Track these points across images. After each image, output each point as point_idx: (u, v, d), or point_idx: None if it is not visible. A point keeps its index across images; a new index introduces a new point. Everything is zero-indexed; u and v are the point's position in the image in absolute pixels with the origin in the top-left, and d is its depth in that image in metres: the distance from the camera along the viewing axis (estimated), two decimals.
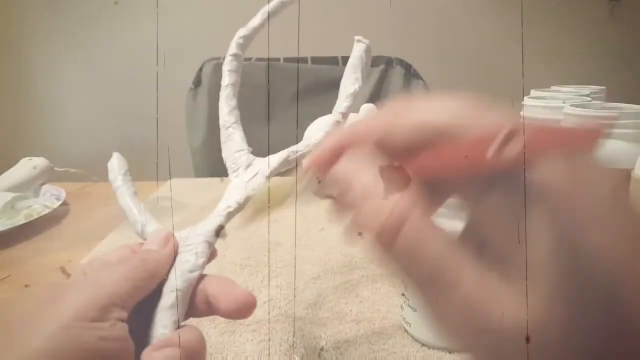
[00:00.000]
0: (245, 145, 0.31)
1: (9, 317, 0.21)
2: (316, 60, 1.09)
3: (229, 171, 0.31)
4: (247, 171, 0.30)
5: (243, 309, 0.25)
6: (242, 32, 0.33)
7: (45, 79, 1.66)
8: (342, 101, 0.31)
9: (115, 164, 0.32)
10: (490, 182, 0.16)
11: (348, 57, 0.31)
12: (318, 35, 1.09)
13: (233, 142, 0.32)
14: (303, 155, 0.31)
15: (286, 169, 0.30)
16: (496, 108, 0.16)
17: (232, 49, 0.33)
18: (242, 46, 0.33)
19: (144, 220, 0.30)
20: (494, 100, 0.17)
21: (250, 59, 1.09)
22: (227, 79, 0.33)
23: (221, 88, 0.33)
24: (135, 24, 1.62)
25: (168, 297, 0.25)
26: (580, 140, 0.15)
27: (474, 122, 0.16)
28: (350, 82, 0.31)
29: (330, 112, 0.89)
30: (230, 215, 0.28)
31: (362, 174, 0.18)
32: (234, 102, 0.33)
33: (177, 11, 1.61)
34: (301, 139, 0.81)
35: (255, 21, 0.33)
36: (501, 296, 0.15)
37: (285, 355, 0.36)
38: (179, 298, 0.25)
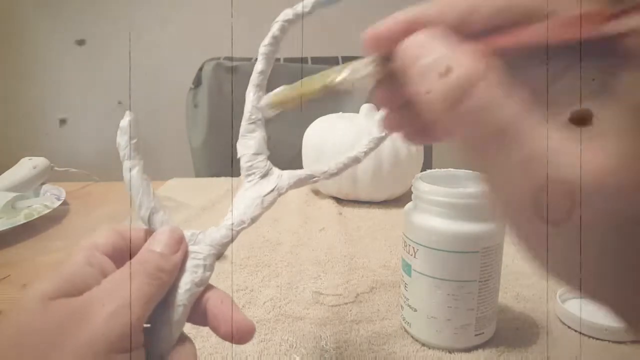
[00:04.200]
0: (265, 149, 0.29)
1: (26, 336, 0.20)
2: (316, 60, 1.09)
3: (243, 171, 0.29)
4: (264, 182, 0.28)
5: (243, 337, 0.24)
6: (288, 14, 0.30)
7: (45, 79, 1.66)
8: (342, 160, 0.30)
9: (129, 127, 0.26)
10: (574, 55, 0.17)
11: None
12: (318, 35, 1.09)
13: (254, 141, 0.29)
14: (317, 180, 0.29)
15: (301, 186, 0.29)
16: None
17: (274, 30, 0.30)
18: (284, 30, 0.30)
19: (153, 206, 0.26)
20: None
21: (250, 59, 1.09)
22: (260, 64, 0.30)
23: (253, 72, 0.30)
24: (137, 24, 1.62)
25: (175, 312, 0.23)
26: None
27: (558, 6, 0.17)
28: (361, 149, 0.30)
29: (330, 113, 0.88)
30: (241, 231, 0.27)
31: (437, 42, 0.18)
32: (262, 95, 0.30)
33: (177, 11, 1.61)
34: (301, 140, 0.81)
35: (305, 9, 0.29)
36: (568, 152, 0.15)
37: (285, 355, 0.36)
38: (182, 312, 0.24)
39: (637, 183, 0.15)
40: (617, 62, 0.16)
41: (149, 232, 0.26)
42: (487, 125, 0.16)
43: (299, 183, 0.29)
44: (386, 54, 0.19)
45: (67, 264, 0.23)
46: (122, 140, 0.26)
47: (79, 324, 0.20)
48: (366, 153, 0.30)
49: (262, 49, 0.30)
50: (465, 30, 0.18)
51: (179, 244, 0.25)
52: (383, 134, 0.30)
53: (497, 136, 0.16)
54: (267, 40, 0.30)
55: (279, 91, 0.25)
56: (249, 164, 0.29)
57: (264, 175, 0.29)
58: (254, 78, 0.30)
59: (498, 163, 0.16)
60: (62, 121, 1.66)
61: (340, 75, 0.22)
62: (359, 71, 0.21)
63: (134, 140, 0.26)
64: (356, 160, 0.30)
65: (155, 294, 0.23)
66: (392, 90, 0.21)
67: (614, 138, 0.15)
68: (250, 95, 0.30)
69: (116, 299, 0.21)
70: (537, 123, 0.16)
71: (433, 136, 0.23)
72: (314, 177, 0.29)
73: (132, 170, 0.26)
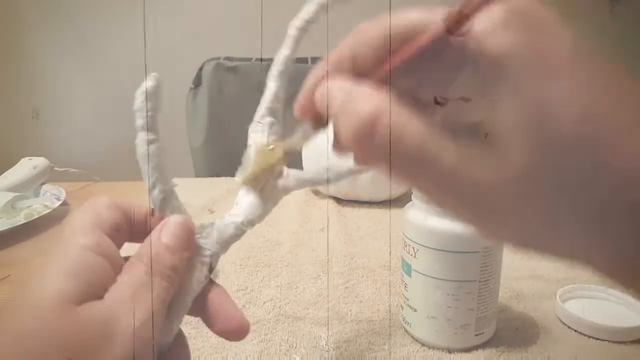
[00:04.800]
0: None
1: (49, 344, 0.18)
2: (316, 60, 1.09)
3: None
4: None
5: (238, 334, 0.24)
6: None
7: (45, 79, 1.66)
8: (343, 169, 0.27)
9: (151, 91, 0.22)
10: (456, 69, 0.18)
11: None
12: (317, 36, 1.09)
13: (267, 132, 0.27)
14: (319, 185, 0.30)
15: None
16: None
17: (310, 12, 0.26)
18: (318, 15, 0.27)
19: (168, 189, 0.24)
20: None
21: (250, 59, 1.09)
22: (287, 49, 0.26)
23: (278, 55, 0.27)
24: (136, 24, 1.62)
25: (178, 308, 0.23)
26: None
27: (432, 19, 0.18)
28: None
29: None
30: (247, 230, 0.26)
31: (340, 85, 0.19)
32: (284, 84, 0.27)
33: (177, 11, 1.61)
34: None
35: None
36: (480, 163, 0.17)
37: (285, 355, 0.36)
38: (184, 309, 0.23)
39: (526, 197, 0.17)
40: (493, 83, 0.17)
41: (158, 219, 0.24)
42: (398, 154, 0.17)
43: (304, 184, 0.28)
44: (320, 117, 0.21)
45: (73, 250, 0.21)
46: (142, 105, 0.22)
47: (104, 340, 0.19)
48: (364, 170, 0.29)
49: (293, 31, 0.26)
50: (360, 66, 0.20)
51: (190, 240, 0.23)
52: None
53: (412, 161, 0.17)
54: (299, 22, 0.26)
55: (245, 170, 0.25)
56: None
57: None
58: (279, 62, 0.27)
59: (424, 183, 0.18)
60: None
61: (293, 143, 0.24)
62: (308, 135, 0.24)
63: (156, 112, 0.22)
64: (357, 172, 0.29)
65: (168, 296, 0.22)
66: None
67: (501, 153, 0.17)
68: (272, 84, 0.27)
69: (137, 312, 0.20)
70: (444, 141, 0.17)
71: None
72: (317, 183, 0.29)
73: (149, 145, 0.22)
